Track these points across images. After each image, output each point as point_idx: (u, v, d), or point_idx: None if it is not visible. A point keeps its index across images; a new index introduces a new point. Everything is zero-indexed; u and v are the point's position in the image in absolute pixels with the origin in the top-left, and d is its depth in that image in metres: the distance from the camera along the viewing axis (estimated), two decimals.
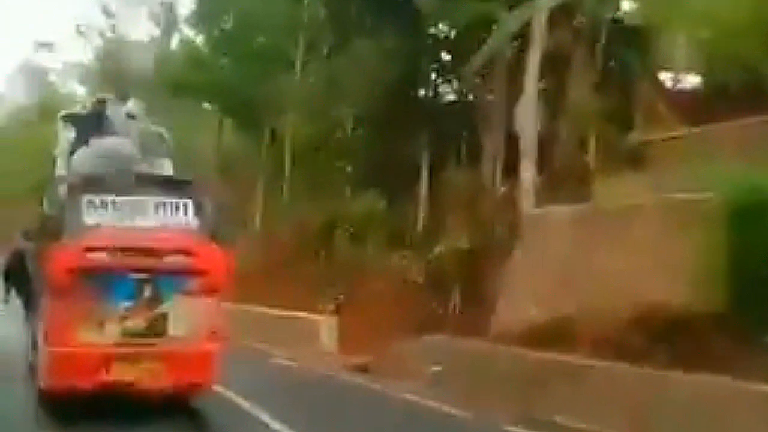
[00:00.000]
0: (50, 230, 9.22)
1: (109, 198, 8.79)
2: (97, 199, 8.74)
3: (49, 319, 8.75)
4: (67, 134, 10.19)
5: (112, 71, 35.95)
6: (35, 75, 50.09)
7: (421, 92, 21.85)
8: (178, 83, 26.38)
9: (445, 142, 20.39)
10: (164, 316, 8.61)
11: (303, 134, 22.59)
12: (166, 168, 9.99)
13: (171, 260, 8.69)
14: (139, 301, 8.51)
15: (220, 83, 25.83)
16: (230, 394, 10.22)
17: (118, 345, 8.45)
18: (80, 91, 45.89)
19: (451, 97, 22.70)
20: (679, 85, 19.68)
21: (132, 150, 9.62)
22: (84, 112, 10.53)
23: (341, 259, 20.06)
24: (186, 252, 8.76)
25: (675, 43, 16.61)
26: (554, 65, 18.09)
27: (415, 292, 17.69)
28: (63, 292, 8.44)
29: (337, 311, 18.79)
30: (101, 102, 10.29)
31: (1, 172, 40.49)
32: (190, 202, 9.06)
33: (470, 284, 17.02)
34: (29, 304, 11.04)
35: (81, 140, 9.85)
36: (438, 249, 17.27)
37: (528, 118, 16.85)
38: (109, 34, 38.22)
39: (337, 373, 14.70)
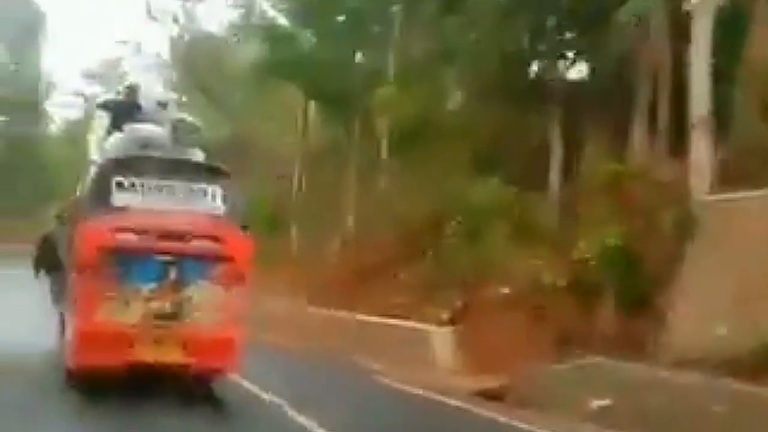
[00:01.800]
0: (80, 212, 9.37)
1: (138, 180, 8.97)
2: (126, 182, 8.93)
3: (76, 297, 8.97)
4: (102, 120, 10.53)
5: (186, 60, 34.10)
6: (112, 72, 48.97)
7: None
8: (257, 62, 23.41)
9: (582, 116, 16.80)
10: (189, 300, 8.76)
11: (402, 116, 19.24)
12: (197, 157, 9.95)
13: (197, 245, 8.85)
14: (165, 284, 8.66)
15: (303, 60, 22.84)
16: None
17: (143, 326, 8.63)
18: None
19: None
20: None
21: (163, 137, 9.74)
22: (118, 99, 10.89)
23: (454, 258, 16.69)
24: (213, 238, 8.94)
25: None
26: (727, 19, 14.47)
27: (552, 299, 14.22)
28: (90, 271, 8.60)
29: (453, 321, 15.48)
30: (133, 89, 10.70)
31: None
32: (218, 189, 9.21)
33: (625, 290, 13.55)
34: (58, 285, 11.15)
35: (114, 126, 10.15)
36: (583, 245, 13.73)
37: (701, 77, 13.26)
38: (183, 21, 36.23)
39: (465, 402, 11.55)
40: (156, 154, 9.49)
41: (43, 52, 59.75)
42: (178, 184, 9.14)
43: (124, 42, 45.21)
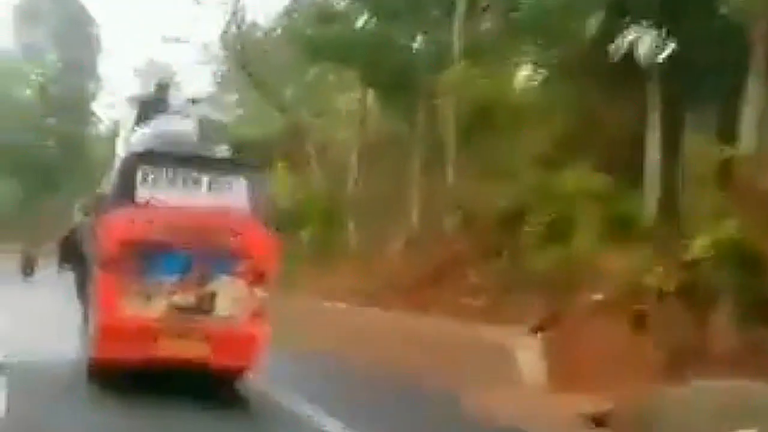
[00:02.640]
0: (104, 205, 9.36)
1: (162, 174, 8.94)
2: (150, 174, 8.90)
3: (99, 290, 8.94)
4: (131, 116, 10.66)
5: (237, 53, 32.61)
6: (161, 70, 48.05)
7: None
8: (310, 43, 21.66)
9: (683, 95, 14.70)
10: (212, 294, 8.72)
11: (473, 98, 17.33)
12: (222, 152, 9.98)
13: (222, 240, 8.82)
14: (187, 278, 8.63)
15: (359, 42, 21.07)
16: None
17: (165, 319, 8.62)
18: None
19: None
20: None
21: (188, 131, 9.71)
22: (147, 94, 11.08)
23: (534, 257, 14.78)
24: (237, 233, 8.92)
25: None
26: None
27: (657, 305, 12.23)
28: (113, 263, 8.60)
29: (539, 329, 13.56)
30: (163, 86, 10.73)
31: None
32: (244, 184, 9.18)
33: (748, 295, 11.52)
34: (83, 278, 10.91)
35: (142, 121, 10.11)
36: (699, 242, 11.68)
37: None
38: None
39: None
40: (181, 148, 9.41)
41: (91, 52, 59.23)
42: (202, 179, 9.10)
43: (173, 38, 44.06)
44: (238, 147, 28.20)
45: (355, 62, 21.62)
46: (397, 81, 20.83)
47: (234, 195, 9.15)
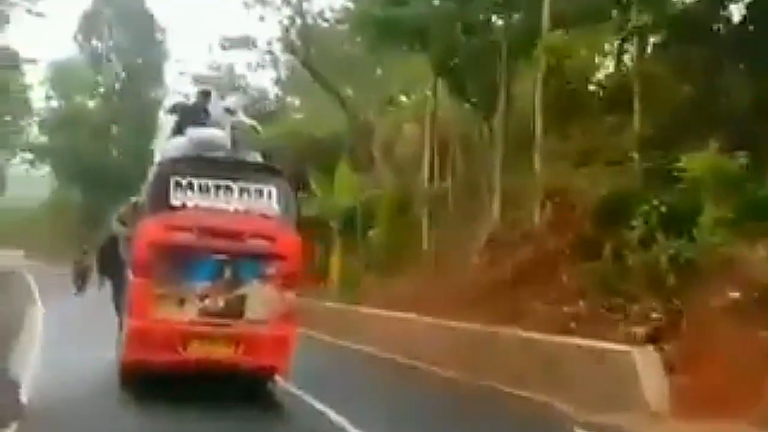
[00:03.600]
0: (140, 212, 9.66)
1: (195, 181, 9.13)
2: (183, 181, 9.09)
3: (132, 294, 9.07)
4: (170, 124, 10.85)
5: (300, 51, 31.02)
6: (224, 74, 46.73)
7: None
8: (381, 25, 19.59)
9: None
10: (242, 298, 8.90)
11: (568, 71, 14.97)
12: (254, 159, 10.17)
13: (252, 244, 9.06)
14: (219, 282, 8.84)
15: (434, 19, 18.96)
16: None
17: (196, 323, 8.81)
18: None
19: None
20: None
21: (223, 139, 10.01)
22: (187, 103, 11.32)
23: (645, 253, 12.41)
24: (267, 237, 9.15)
25: None
26: None
27: None
28: (145, 268, 8.83)
29: (654, 340, 11.14)
30: (205, 94, 10.82)
31: None
32: (274, 189, 9.40)
33: None
34: (120, 287, 10.68)
35: (179, 129, 10.28)
36: None
37: None
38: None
39: None
40: (214, 155, 9.66)
41: (157, 60, 58.51)
42: (234, 185, 9.25)
43: (235, 39, 42.68)
44: (299, 149, 27.09)
45: (430, 45, 19.43)
46: (473, 66, 18.62)
47: (264, 200, 9.35)
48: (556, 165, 15.91)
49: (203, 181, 9.13)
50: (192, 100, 11.28)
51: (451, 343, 13.86)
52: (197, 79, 54.30)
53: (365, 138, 25.91)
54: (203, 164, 9.36)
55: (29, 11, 52.69)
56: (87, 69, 57.04)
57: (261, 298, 8.95)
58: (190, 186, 9.09)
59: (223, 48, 40.74)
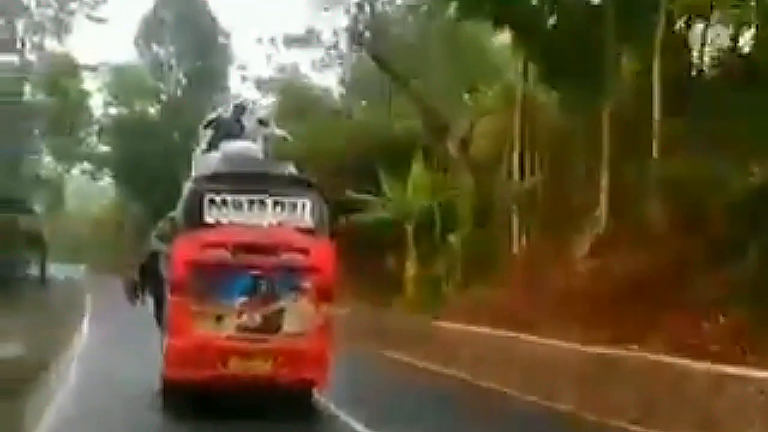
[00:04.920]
0: (175, 229, 9.72)
1: (229, 196, 9.21)
2: (217, 198, 9.20)
3: (170, 311, 9.32)
4: (205, 139, 10.94)
5: (369, 48, 28.92)
6: (287, 78, 45.20)
7: None
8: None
9: None
10: (279, 313, 9.03)
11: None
12: (287, 170, 10.26)
13: (287, 258, 9.15)
14: (255, 297, 8.97)
15: None
16: None
17: (234, 339, 8.93)
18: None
19: None
20: None
21: (257, 153, 10.37)
22: (222, 117, 11.24)
23: None
24: (302, 250, 9.24)
25: None
26: None
27: None
28: (182, 285, 8.99)
29: None
30: (240, 108, 11.23)
31: None
32: (307, 202, 9.46)
33: None
34: (161, 304, 10.66)
35: (214, 144, 10.59)
36: None
37: None
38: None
39: None
40: (247, 169, 9.82)
41: (221, 64, 57.14)
42: (267, 199, 9.31)
43: (299, 37, 40.91)
44: (367, 149, 24.88)
45: (520, 21, 16.86)
46: (574, 37, 16.00)
47: (297, 213, 9.40)
48: (682, 151, 13.24)
49: (236, 197, 9.19)
50: (228, 113, 11.31)
51: (566, 370, 11.33)
52: (259, 84, 53.41)
53: (440, 134, 23.56)
54: (236, 180, 9.45)
55: (89, 17, 52.31)
56: (147, 75, 55.99)
57: (297, 311, 9.08)
58: (224, 202, 9.17)
59: (287, 46, 38.96)
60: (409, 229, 21.38)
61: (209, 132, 10.92)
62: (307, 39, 37.48)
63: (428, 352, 15.31)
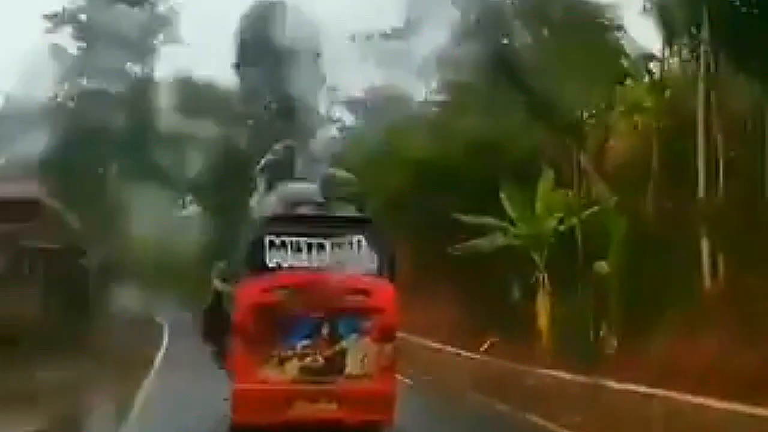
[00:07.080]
0: (237, 272, 9.93)
1: (288, 239, 9.42)
2: (277, 240, 9.40)
3: (234, 356, 9.44)
4: (262, 183, 11.02)
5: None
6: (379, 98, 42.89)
7: None
8: None
9: None
10: (342, 354, 9.13)
11: None
12: (346, 210, 10.18)
13: (348, 299, 9.25)
14: (318, 340, 9.09)
15: None
16: None
17: (298, 383, 9.09)
18: None
19: None
20: None
21: (313, 193, 10.25)
22: (275, 160, 11.29)
23: None
24: (363, 291, 9.35)
25: None
26: None
27: None
28: (244, 329, 9.18)
29: None
30: (289, 148, 11.45)
31: None
32: (365, 241, 9.52)
33: None
34: (227, 345, 10.70)
35: (271, 186, 10.71)
36: None
37: None
38: None
39: None
40: (305, 210, 9.95)
41: (312, 89, 54.55)
42: (325, 240, 9.42)
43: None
44: (483, 166, 21.16)
45: None
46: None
47: (356, 252, 9.45)
48: None
49: (296, 240, 9.33)
50: (278, 155, 11.33)
51: None
52: (350, 104, 50.61)
53: (570, 144, 19.79)
54: (295, 222, 9.60)
55: (174, 42, 50.46)
56: (240, 102, 53.72)
57: (360, 352, 9.08)
58: (284, 245, 9.31)
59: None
60: (538, 258, 17.54)
61: (263, 175, 10.98)
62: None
63: (588, 423, 11.12)
